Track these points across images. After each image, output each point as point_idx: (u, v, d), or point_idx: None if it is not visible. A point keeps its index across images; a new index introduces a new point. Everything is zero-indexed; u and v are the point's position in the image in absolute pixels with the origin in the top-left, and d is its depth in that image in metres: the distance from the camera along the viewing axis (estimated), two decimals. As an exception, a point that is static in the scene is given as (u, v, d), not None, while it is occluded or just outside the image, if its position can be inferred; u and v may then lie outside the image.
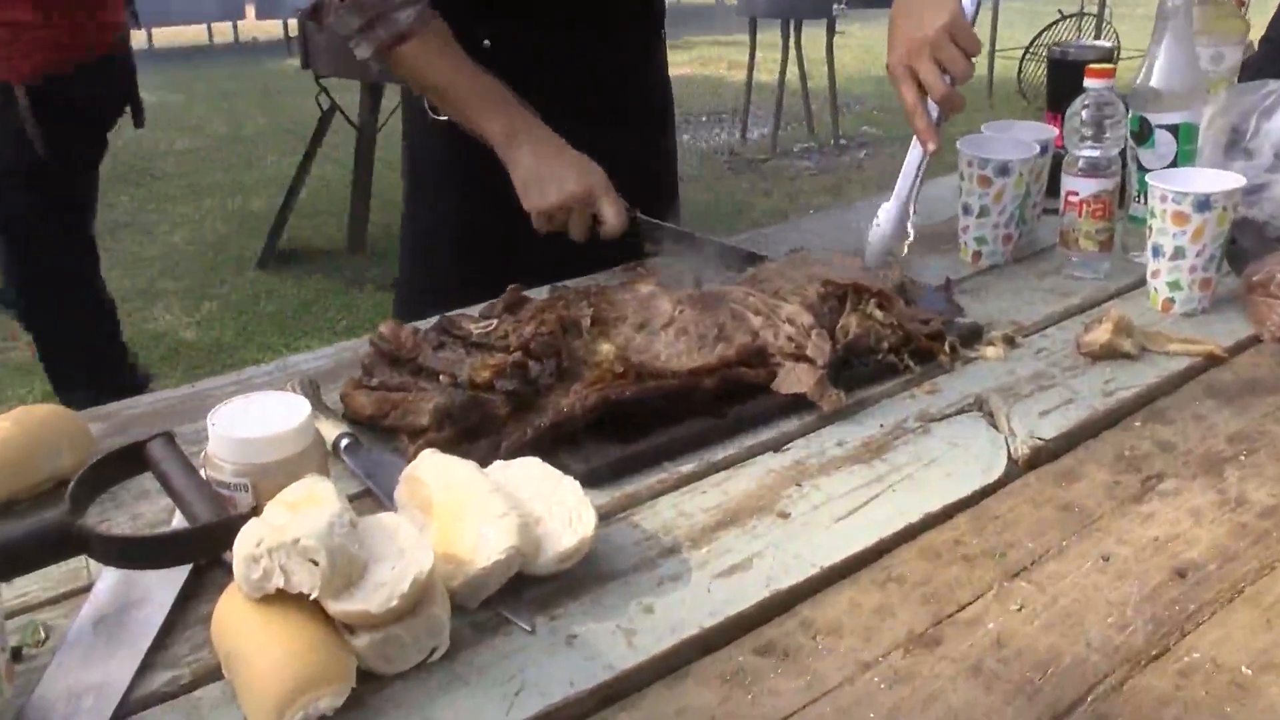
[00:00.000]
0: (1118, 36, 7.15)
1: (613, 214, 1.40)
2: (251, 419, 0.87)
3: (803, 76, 6.50)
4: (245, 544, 0.75)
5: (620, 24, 1.56)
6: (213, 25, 10.43)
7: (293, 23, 4.76)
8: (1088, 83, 1.39)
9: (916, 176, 1.36)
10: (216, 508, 0.83)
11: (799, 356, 1.11)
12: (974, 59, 1.29)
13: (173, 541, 0.83)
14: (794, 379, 1.10)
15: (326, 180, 5.54)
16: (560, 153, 1.40)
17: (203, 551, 0.83)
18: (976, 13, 1.31)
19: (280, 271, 4.59)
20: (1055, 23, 7.23)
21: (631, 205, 1.42)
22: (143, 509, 0.97)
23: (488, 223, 1.51)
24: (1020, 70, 7.03)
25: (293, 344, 3.91)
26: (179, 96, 8.11)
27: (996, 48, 7.65)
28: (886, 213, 1.37)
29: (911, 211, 1.36)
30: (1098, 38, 7.23)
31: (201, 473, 0.87)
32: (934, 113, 1.32)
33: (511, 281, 1.25)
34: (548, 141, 1.40)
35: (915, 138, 1.35)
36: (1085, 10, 7.41)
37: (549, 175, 1.38)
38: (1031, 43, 6.99)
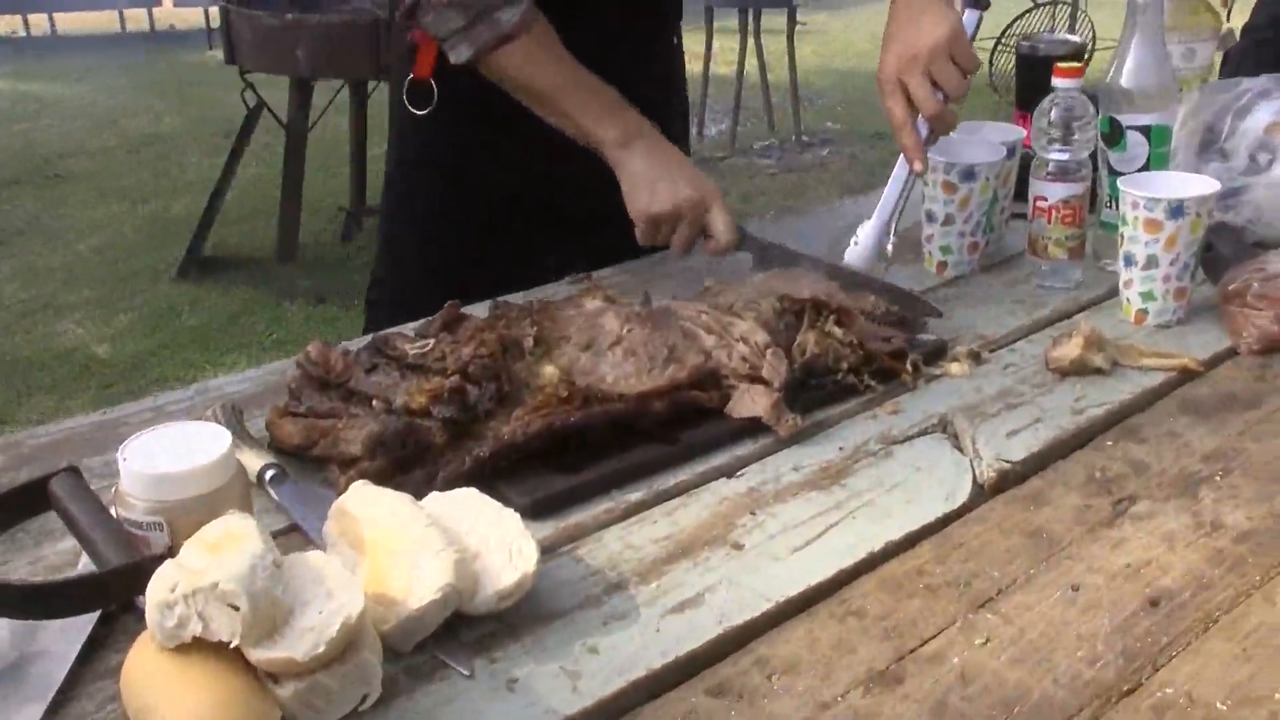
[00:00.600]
0: (1093, 26, 7.29)
1: (724, 227, 1.41)
2: (166, 452, 0.87)
3: (762, 69, 6.55)
4: (159, 588, 0.74)
5: (632, 25, 1.57)
6: (125, 11, 10.31)
7: (214, 11, 4.71)
8: (1056, 82, 1.42)
9: (901, 197, 1.39)
10: (128, 549, 0.82)
11: (754, 378, 1.12)
12: (970, 77, 1.33)
13: (78, 587, 0.82)
14: (748, 402, 1.11)
15: (253, 183, 5.50)
16: (676, 159, 1.42)
17: (112, 597, 0.82)
18: (977, 31, 1.35)
19: (203, 281, 4.55)
20: (1028, 11, 7.34)
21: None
22: (45, 552, 0.96)
23: (472, 222, 1.53)
24: (991, 62, 7.13)
25: (216, 360, 3.87)
26: (85, 89, 8.01)
27: (967, 38, 7.75)
28: (865, 232, 1.39)
29: (892, 232, 1.39)
30: (1072, 28, 7.36)
31: (111, 511, 0.86)
32: (923, 130, 1.36)
33: (492, 283, 1.25)
34: (663, 147, 1.42)
35: (901, 156, 1.38)
36: (1059, -1, 7.54)
37: (663, 179, 1.39)
38: (1003, 33, 7.09)
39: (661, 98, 1.64)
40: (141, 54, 9.42)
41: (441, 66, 1.46)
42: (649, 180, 1.40)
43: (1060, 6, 7.55)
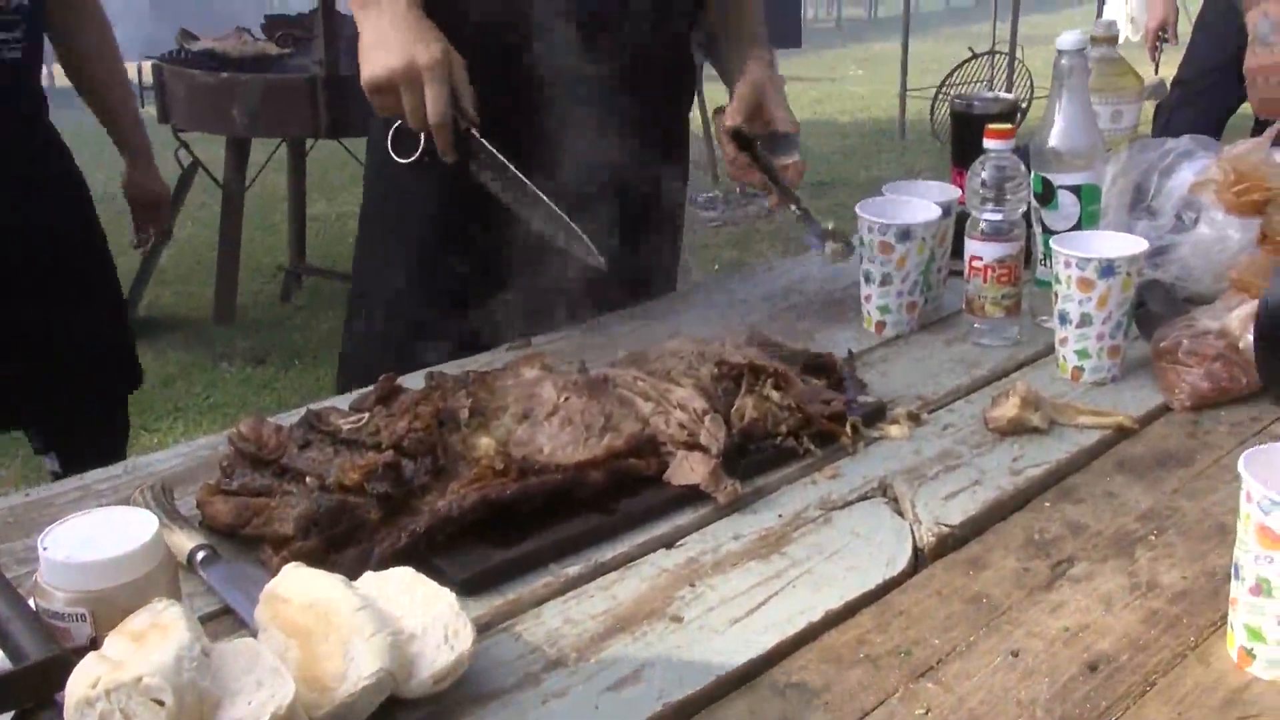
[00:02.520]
0: (1030, 75, 7.47)
1: (430, 100, 1.34)
2: (90, 539, 0.86)
3: (705, 121, 6.63)
4: (80, 684, 0.73)
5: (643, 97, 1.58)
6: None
7: (147, 67, 4.70)
8: (987, 144, 1.46)
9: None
10: (46, 642, 0.81)
11: (692, 445, 1.13)
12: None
13: (-3, 683, 0.80)
14: (686, 470, 1.12)
15: (190, 242, 5.46)
16: (402, 23, 1.36)
17: (28, 695, 0.80)
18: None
19: (138, 344, 4.49)
20: (966, 61, 7.51)
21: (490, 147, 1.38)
22: (-35, 642, 0.94)
23: (444, 273, 1.54)
24: (933, 111, 7.28)
25: (151, 425, 3.82)
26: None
27: (908, 88, 7.92)
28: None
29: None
30: (1010, 77, 7.54)
31: (30, 601, 0.85)
32: None
33: (464, 333, 1.24)
34: (395, 14, 1.36)
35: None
36: (996, 49, 7.72)
37: (381, 47, 1.35)
38: (943, 83, 7.25)
39: (663, 166, 1.66)
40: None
41: None
42: (368, 48, 1.37)
43: (998, 56, 7.73)
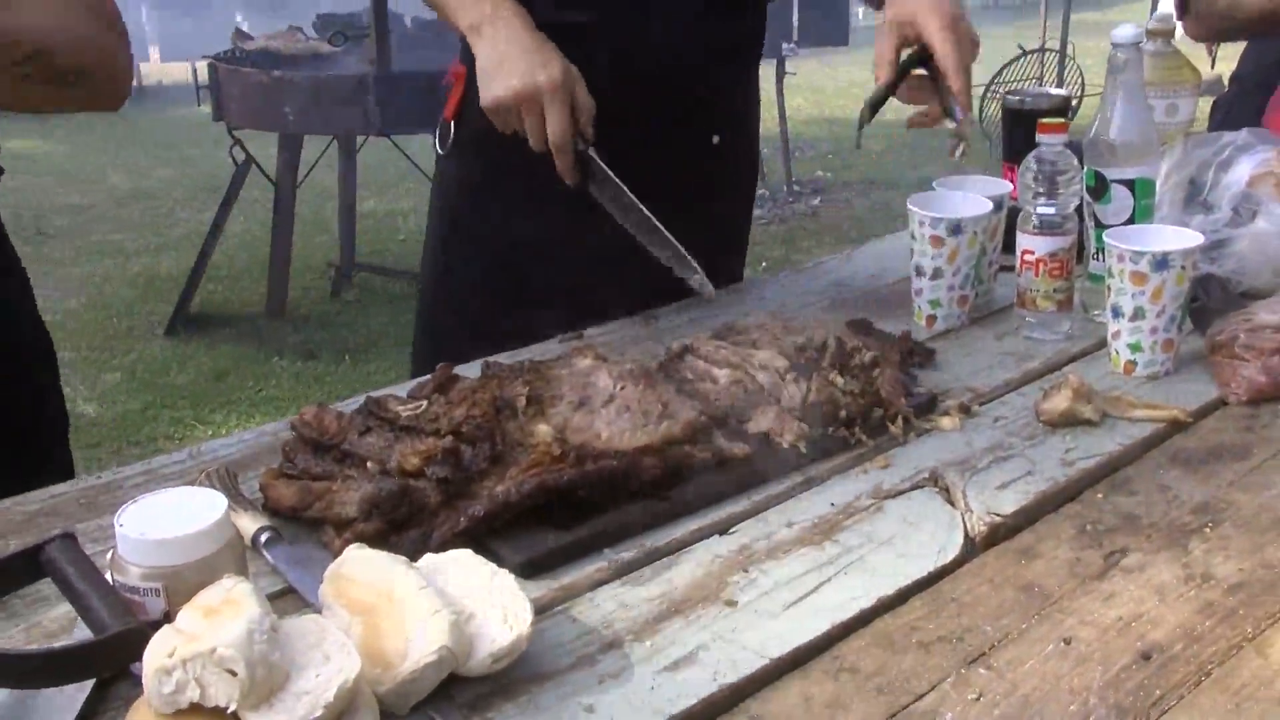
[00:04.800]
0: (1081, 73, 7.41)
1: (553, 120, 1.35)
2: (162, 517, 0.88)
3: (782, 115, 6.64)
4: (156, 655, 0.76)
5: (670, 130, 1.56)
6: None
7: (202, 67, 4.78)
8: (1040, 138, 1.46)
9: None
10: (124, 615, 0.84)
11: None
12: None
13: (74, 655, 0.83)
14: (761, 420, 1.16)
15: (242, 239, 5.54)
16: (521, 44, 1.36)
17: (108, 664, 0.83)
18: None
19: (191, 339, 4.58)
20: (1016, 59, 7.46)
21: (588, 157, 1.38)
22: (40, 619, 0.97)
23: (500, 266, 1.57)
24: (981, 109, 7.23)
25: (204, 418, 3.89)
26: (73, 146, 8.07)
27: (956, 86, 7.86)
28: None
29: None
30: (1061, 75, 7.48)
31: (107, 576, 0.88)
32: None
33: (528, 327, 1.29)
34: (514, 32, 1.37)
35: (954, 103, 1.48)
36: (1047, 46, 7.66)
37: (503, 67, 1.35)
38: (992, 81, 7.20)
39: (708, 198, 1.65)
40: (129, 111, 9.51)
41: (462, 110, 1.51)
42: (490, 68, 1.37)
43: (1049, 54, 7.67)
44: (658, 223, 1.40)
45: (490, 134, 1.46)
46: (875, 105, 1.50)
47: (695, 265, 1.41)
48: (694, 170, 1.61)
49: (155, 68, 10.63)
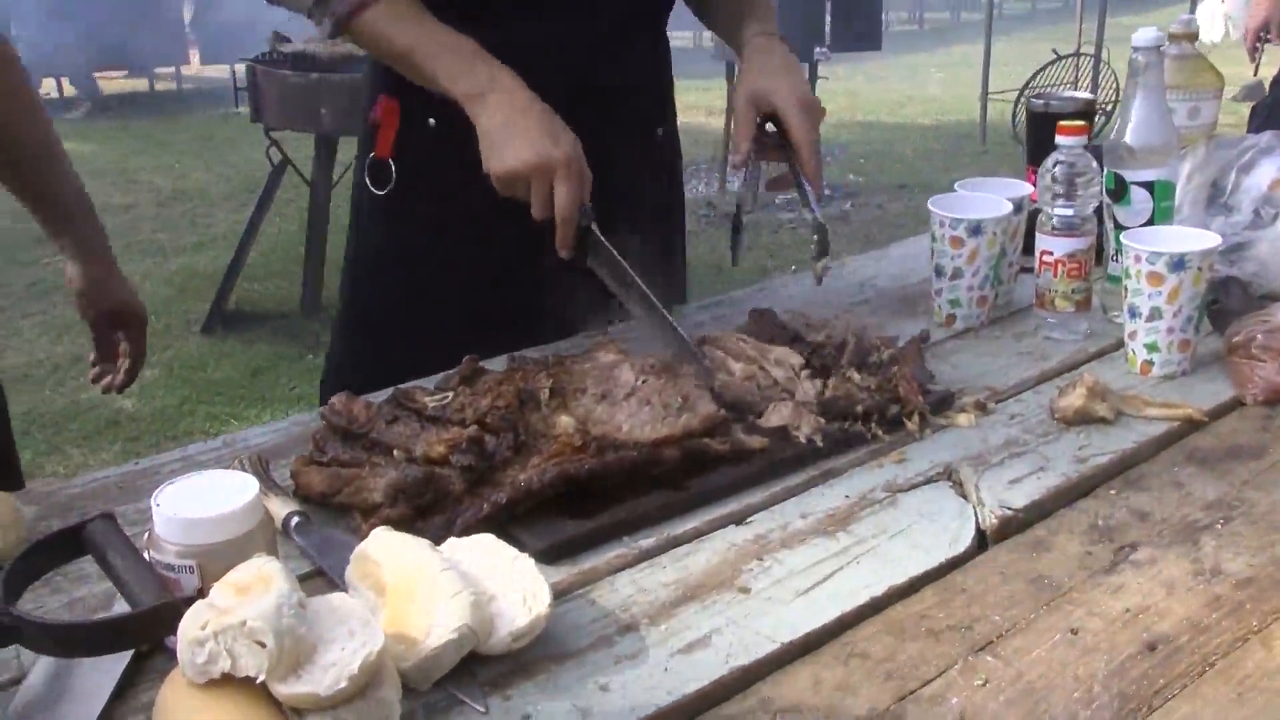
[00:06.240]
0: (1116, 77, 7.36)
1: (565, 193, 1.33)
2: (197, 498, 0.92)
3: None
4: (190, 627, 0.79)
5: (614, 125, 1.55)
6: (154, 70, 10.57)
7: (240, 69, 4.84)
8: (1059, 140, 1.47)
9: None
10: (160, 591, 0.87)
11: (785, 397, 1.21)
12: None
13: (113, 627, 0.87)
14: (776, 415, 1.19)
15: (278, 238, 5.61)
16: (530, 115, 1.35)
17: (145, 636, 0.87)
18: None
19: (228, 336, 4.64)
20: (1051, 64, 7.43)
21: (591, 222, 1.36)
22: (81, 593, 1.01)
23: (431, 306, 1.57)
24: (1014, 114, 7.21)
25: (241, 414, 3.94)
26: (114, 147, 8.19)
27: (990, 91, 7.86)
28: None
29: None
30: (1095, 79, 7.44)
31: (145, 554, 0.91)
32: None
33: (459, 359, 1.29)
34: (517, 102, 1.36)
35: (806, 180, 1.47)
36: (1082, 51, 7.62)
37: (511, 138, 1.35)
38: (1025, 85, 7.18)
39: (653, 192, 1.68)
40: (170, 112, 9.64)
41: (400, 147, 1.50)
42: (498, 138, 1.35)
43: (1084, 58, 7.63)
44: (655, 300, 1.36)
45: (444, 172, 1.47)
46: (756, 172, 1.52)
47: (695, 351, 1.33)
48: (641, 164, 1.64)
49: (195, 70, 10.76)
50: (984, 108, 7.93)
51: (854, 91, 9.85)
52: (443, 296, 1.58)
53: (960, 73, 10.46)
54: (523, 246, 1.42)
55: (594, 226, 1.36)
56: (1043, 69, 7.37)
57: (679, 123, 1.78)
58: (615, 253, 1.36)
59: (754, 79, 1.49)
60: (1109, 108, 6.80)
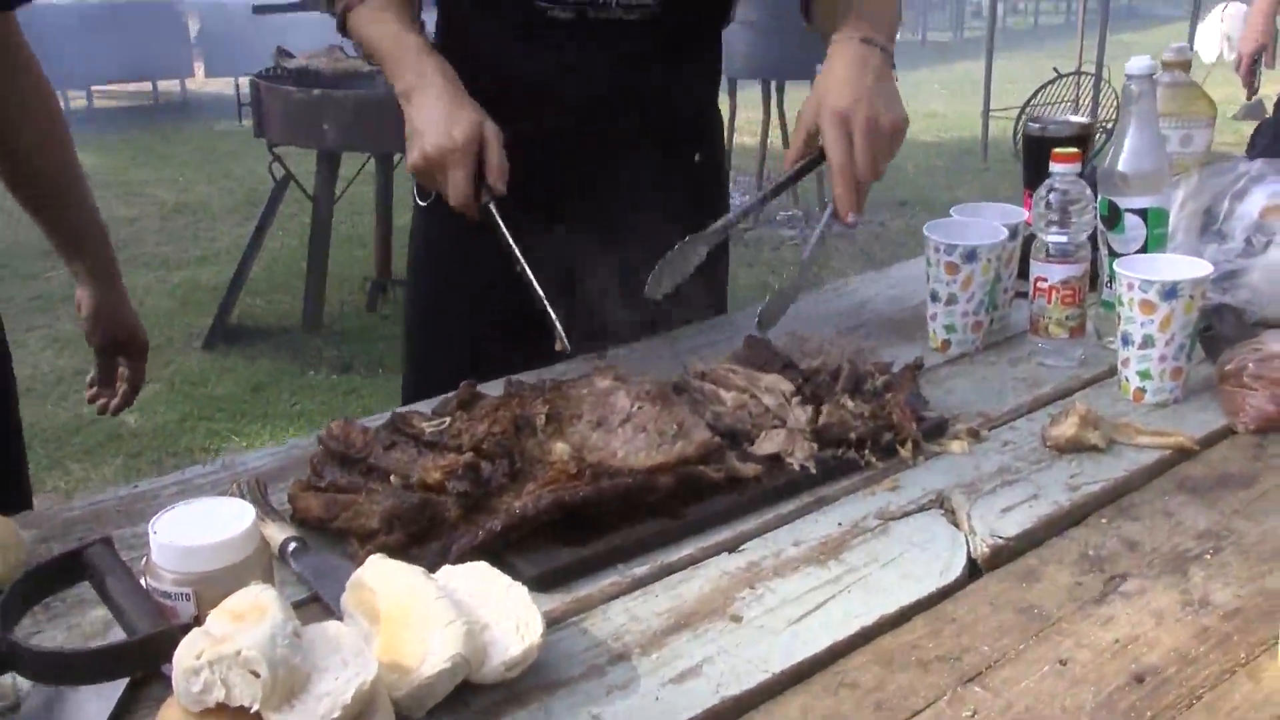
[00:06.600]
0: (1117, 95, 7.38)
1: (453, 181, 1.41)
2: (194, 526, 0.93)
3: (785, 140, 6.67)
4: (186, 656, 0.80)
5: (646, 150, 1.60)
6: (158, 83, 10.61)
7: (244, 82, 4.87)
8: (1053, 167, 1.48)
9: (820, 241, 1.46)
10: (156, 618, 0.88)
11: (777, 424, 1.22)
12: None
13: (109, 655, 0.87)
14: (769, 442, 1.20)
15: (280, 252, 5.63)
16: (438, 108, 1.42)
17: (141, 664, 0.88)
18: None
19: (229, 351, 4.66)
20: (1051, 82, 7.45)
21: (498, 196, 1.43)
22: (78, 620, 1.02)
23: (478, 307, 1.63)
24: (1016, 132, 7.23)
25: (240, 430, 3.95)
26: (116, 160, 8.22)
27: (991, 108, 7.88)
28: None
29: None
30: (1096, 98, 7.46)
31: (142, 581, 0.92)
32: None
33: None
34: (433, 97, 1.43)
35: (831, 203, 1.42)
36: (1083, 70, 7.64)
37: (423, 131, 1.42)
38: (1027, 103, 7.21)
39: (692, 214, 1.65)
40: (174, 124, 9.68)
41: None
42: (415, 132, 1.44)
43: (1084, 77, 7.65)
44: (532, 278, 1.42)
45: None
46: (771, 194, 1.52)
47: (556, 322, 1.41)
48: (679, 188, 1.64)
49: (200, 82, 10.80)
50: (985, 125, 7.96)
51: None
52: (489, 299, 1.61)
53: (962, 89, 10.49)
54: (551, 244, 1.46)
55: (491, 207, 1.43)
56: (1043, 87, 7.39)
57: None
58: (509, 238, 1.42)
59: (815, 89, 1.45)
60: (1109, 125, 6.82)
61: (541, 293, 1.42)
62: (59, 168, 1.56)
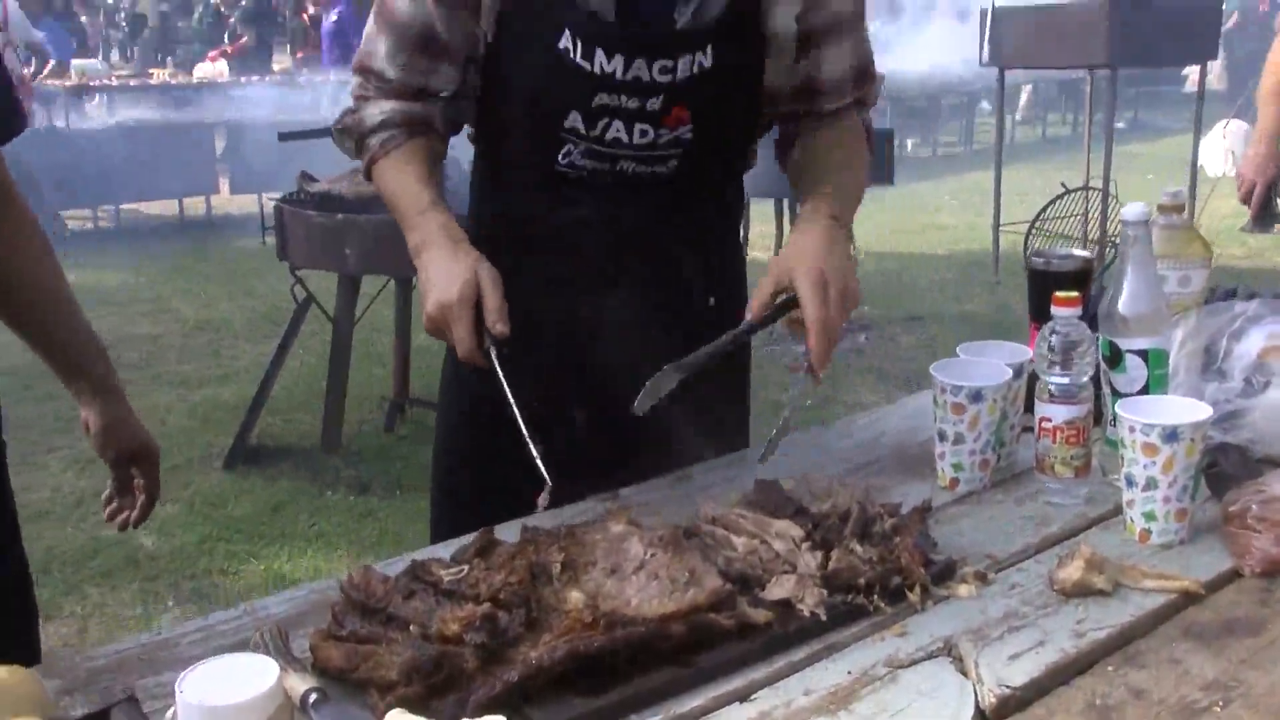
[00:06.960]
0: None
1: (456, 336, 1.49)
2: (219, 684, 0.96)
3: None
4: (210, 820, 0.82)
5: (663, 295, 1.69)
6: (184, 200, 10.85)
7: (268, 201, 4.99)
8: (1055, 311, 1.53)
9: (799, 404, 1.52)
10: (182, 778, 0.90)
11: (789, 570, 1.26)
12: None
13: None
14: (780, 588, 1.23)
15: (300, 373, 5.70)
16: (439, 265, 1.52)
17: (167, 826, 0.90)
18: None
19: (249, 471, 4.69)
20: (1059, 197, 7.56)
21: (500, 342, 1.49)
22: (105, 775, 1.04)
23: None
24: (1025, 247, 7.31)
25: (259, 552, 3.97)
26: (141, 277, 8.38)
27: (1001, 221, 7.99)
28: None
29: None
30: (1104, 212, 7.56)
31: (168, 739, 0.95)
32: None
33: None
34: (439, 256, 1.53)
35: (807, 361, 1.51)
36: (1090, 185, 7.76)
37: (429, 290, 1.52)
38: (1036, 218, 7.30)
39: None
40: (198, 241, 9.88)
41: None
42: (423, 291, 1.53)
43: (1092, 192, 7.76)
44: (524, 431, 1.47)
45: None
46: (740, 336, 1.56)
47: (541, 466, 1.46)
48: (691, 332, 1.66)
49: (224, 200, 11.04)
50: (996, 240, 8.06)
51: (864, 224, 10.00)
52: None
53: (972, 199, 10.64)
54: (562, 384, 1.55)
55: (493, 353, 1.49)
56: (1051, 202, 7.49)
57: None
58: (505, 385, 1.48)
59: (785, 252, 1.56)
60: (1117, 239, 6.89)
61: (533, 446, 1.47)
62: (51, 294, 1.60)
